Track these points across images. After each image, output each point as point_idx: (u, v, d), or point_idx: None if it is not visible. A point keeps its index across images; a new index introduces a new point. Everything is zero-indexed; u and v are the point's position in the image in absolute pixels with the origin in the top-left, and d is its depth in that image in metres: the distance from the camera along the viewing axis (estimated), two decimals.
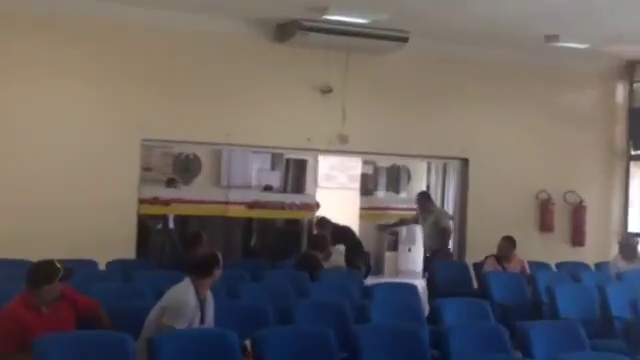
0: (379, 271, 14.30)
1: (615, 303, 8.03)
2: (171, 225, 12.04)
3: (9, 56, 8.98)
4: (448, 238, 10.93)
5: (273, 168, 14.05)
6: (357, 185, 14.24)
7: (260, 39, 10.08)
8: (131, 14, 9.40)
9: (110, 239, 9.03)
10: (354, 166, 14.62)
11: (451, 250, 11.09)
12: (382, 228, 13.19)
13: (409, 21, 9.67)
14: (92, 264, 8.24)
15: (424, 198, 11.11)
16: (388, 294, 7.68)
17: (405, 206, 12.32)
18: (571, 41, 10.23)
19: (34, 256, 6.08)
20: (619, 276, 9.27)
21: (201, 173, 12.59)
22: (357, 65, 10.46)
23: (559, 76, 11.81)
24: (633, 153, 12.21)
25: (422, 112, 11.04)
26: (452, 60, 11.12)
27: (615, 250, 10.40)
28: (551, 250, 11.30)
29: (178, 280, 5.79)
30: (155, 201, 10.01)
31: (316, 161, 14.19)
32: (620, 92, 12.36)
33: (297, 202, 12.16)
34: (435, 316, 6.89)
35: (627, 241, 9.94)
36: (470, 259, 10.54)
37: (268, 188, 12.79)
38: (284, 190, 13.83)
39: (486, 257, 9.70)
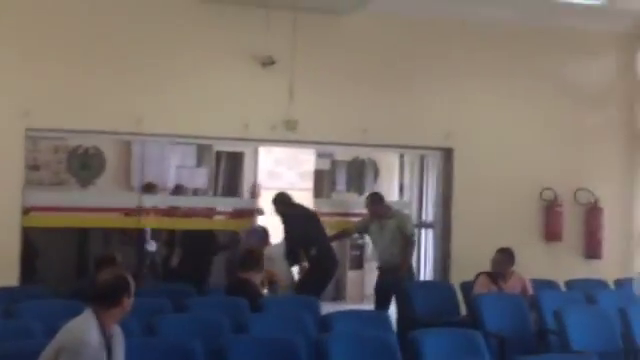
0: (340, 296, 14.34)
1: None
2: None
3: None
4: (413, 249, 10.96)
5: (199, 164, 14.01)
6: (310, 184, 14.27)
7: None
8: None
9: None
10: (306, 160, 14.64)
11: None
12: None
13: None
14: None
15: (376, 201, 11.10)
16: (352, 326, 7.69)
17: None
18: None
19: None
20: None
21: (105, 172, 12.49)
22: (307, 29, 10.46)
23: (566, 41, 11.96)
24: None
25: (392, 89, 11.09)
26: (430, 22, 11.20)
27: None
28: (559, 264, 11.45)
29: (76, 312, 5.72)
30: (44, 210, 9.90)
31: (256, 154, 14.19)
32: None
33: (231, 208, 12.17)
34: (413, 353, 6.93)
35: None
36: (456, 278, 10.63)
37: (180, 189, 12.76)
38: (214, 193, 13.82)
39: (477, 275, 9.79)
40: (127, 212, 10.80)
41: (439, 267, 11.58)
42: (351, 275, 14.66)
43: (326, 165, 15.06)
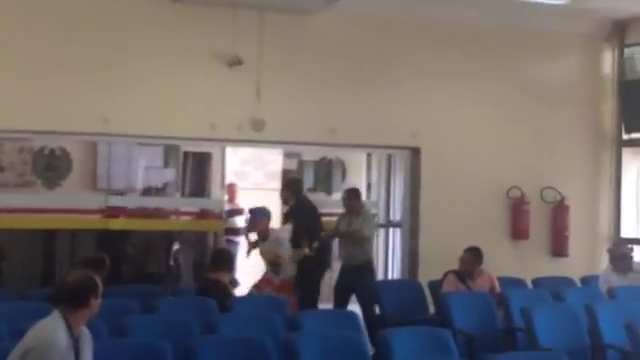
0: None
1: (607, 327, 8.21)
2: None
3: None
4: (365, 244, 10.89)
5: (166, 165, 13.95)
6: (277, 184, 14.23)
7: None
8: None
9: None
10: (273, 160, 14.62)
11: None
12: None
13: None
14: None
15: (354, 197, 11.08)
16: (321, 325, 7.69)
17: (340, 210, 12.35)
18: None
19: None
20: (611, 293, 9.49)
21: (71, 173, 12.41)
22: (274, 29, 10.46)
23: (532, 41, 12.04)
24: (625, 137, 12.51)
25: (359, 89, 11.10)
26: (397, 22, 11.23)
27: (606, 261, 10.64)
28: (526, 262, 11.52)
29: (44, 314, 5.68)
30: (9, 212, 9.83)
31: (223, 154, 14.14)
32: (608, 60, 12.67)
33: (199, 209, 12.14)
34: (382, 351, 6.93)
35: (619, 250, 10.17)
36: (424, 277, 10.65)
37: (154, 190, 12.71)
38: (181, 193, 13.76)
39: (445, 274, 9.81)
40: (94, 213, 10.76)
41: (407, 266, 11.61)
42: None
43: (293, 165, 15.04)
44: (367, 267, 10.64)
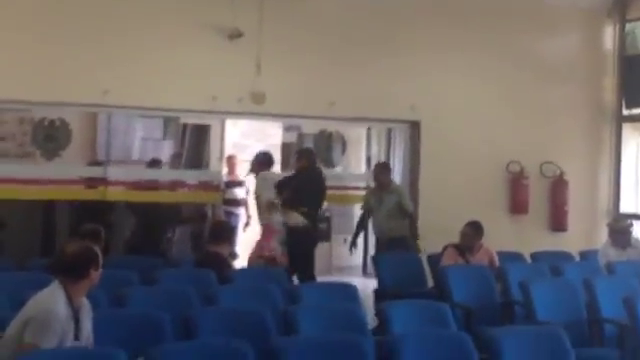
0: None
1: (605, 302, 8.23)
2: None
3: None
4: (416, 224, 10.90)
5: (165, 137, 13.94)
6: (277, 157, 14.22)
7: None
8: None
9: None
10: (273, 133, 14.60)
11: None
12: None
13: None
14: None
15: (385, 171, 11.07)
16: (320, 298, 7.71)
17: (339, 184, 12.36)
18: None
19: None
20: (610, 268, 9.51)
21: (71, 144, 12.40)
22: (275, 2, 10.42)
23: (534, 16, 12.01)
24: (626, 113, 12.53)
25: (359, 62, 11.08)
26: None
27: (604, 236, 10.66)
28: (525, 237, 11.55)
29: (43, 284, 5.70)
30: (9, 182, 9.81)
31: (223, 127, 14.12)
32: (609, 35, 12.65)
33: (197, 181, 12.12)
34: (381, 324, 6.96)
35: (618, 224, 10.18)
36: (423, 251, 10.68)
37: (156, 163, 12.70)
38: (180, 165, 13.76)
39: (444, 247, 9.83)
40: (91, 184, 10.75)
41: None
42: (319, 247, 14.65)
43: (293, 138, 15.02)
44: (402, 241, 10.69)
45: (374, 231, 11.25)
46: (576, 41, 12.52)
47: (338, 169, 13.23)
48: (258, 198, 10.74)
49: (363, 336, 6.39)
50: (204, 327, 6.35)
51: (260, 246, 10.43)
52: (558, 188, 12.23)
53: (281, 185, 10.58)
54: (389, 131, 12.96)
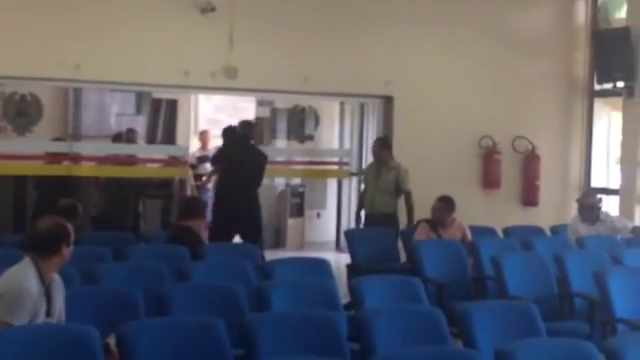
0: (280, 243, 14.39)
1: (576, 276, 8.29)
2: None
3: None
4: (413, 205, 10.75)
5: (138, 112, 13.88)
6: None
7: None
8: None
9: None
10: (245, 108, 14.59)
11: None
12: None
13: None
14: None
15: (384, 146, 10.94)
16: (292, 273, 7.71)
17: (312, 159, 12.38)
18: None
19: None
20: (580, 242, 9.57)
21: (42, 120, 12.32)
22: None
23: None
24: (598, 88, 12.55)
25: (333, 37, 11.07)
26: None
27: (575, 210, 10.71)
28: (497, 211, 11.61)
29: (15, 261, 5.67)
30: None
31: (196, 102, 14.09)
32: (581, 9, 12.67)
33: (166, 156, 12.10)
34: (354, 300, 6.98)
35: (586, 200, 10.22)
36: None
37: (121, 137, 12.63)
38: (152, 140, 13.73)
39: (417, 222, 9.86)
40: (58, 159, 10.70)
41: None
42: (291, 222, 14.69)
43: (266, 113, 15.01)
44: (392, 217, 10.63)
45: (364, 206, 11.08)
46: (548, 15, 12.54)
47: (309, 144, 13.25)
48: None
49: (336, 312, 6.41)
50: (177, 303, 6.33)
51: None
52: (530, 163, 12.29)
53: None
54: (362, 106, 12.97)
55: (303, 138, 13.08)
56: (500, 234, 10.44)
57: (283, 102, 14.56)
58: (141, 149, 12.30)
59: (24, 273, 5.51)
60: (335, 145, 14.30)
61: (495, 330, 5.89)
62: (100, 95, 13.09)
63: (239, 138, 10.79)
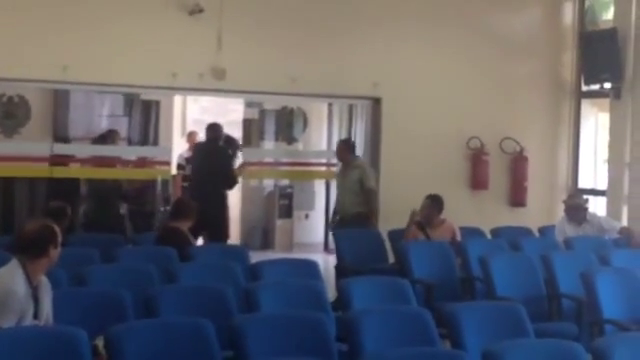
0: (269, 245, 14.38)
1: (563, 277, 8.30)
2: None
3: None
4: (377, 201, 10.90)
5: (126, 114, 13.85)
6: (238, 134, 14.21)
7: None
8: None
9: None
10: (234, 109, 14.57)
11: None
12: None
13: None
14: None
15: (345, 147, 11.08)
16: (281, 274, 7.71)
17: (301, 160, 12.37)
18: None
19: None
20: (567, 243, 9.60)
21: (30, 122, 12.29)
22: None
23: None
24: (585, 89, 12.59)
25: (321, 39, 11.08)
26: None
27: (562, 211, 10.75)
28: (485, 212, 11.62)
29: (2, 262, 5.66)
30: None
31: (184, 103, 14.08)
32: (568, 11, 12.69)
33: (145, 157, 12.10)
34: (341, 300, 6.98)
35: (573, 200, 10.25)
36: (384, 226, 10.70)
37: (105, 138, 12.59)
38: (143, 142, 13.70)
39: (407, 224, 9.86)
40: (41, 161, 10.68)
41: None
42: (280, 224, 14.70)
43: (254, 114, 15.01)
44: (361, 217, 10.67)
45: (335, 207, 11.24)
46: (536, 16, 12.57)
47: (298, 146, 13.25)
48: None
49: (324, 313, 6.41)
50: (165, 305, 6.33)
51: None
52: (518, 164, 12.31)
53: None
54: (351, 107, 12.98)
55: (291, 139, 13.09)
56: (488, 235, 10.47)
57: (272, 104, 14.56)
58: (123, 150, 12.26)
59: (11, 275, 5.50)
60: (324, 146, 14.31)
61: (483, 331, 5.91)
62: (88, 97, 13.05)
63: (205, 141, 11.14)
